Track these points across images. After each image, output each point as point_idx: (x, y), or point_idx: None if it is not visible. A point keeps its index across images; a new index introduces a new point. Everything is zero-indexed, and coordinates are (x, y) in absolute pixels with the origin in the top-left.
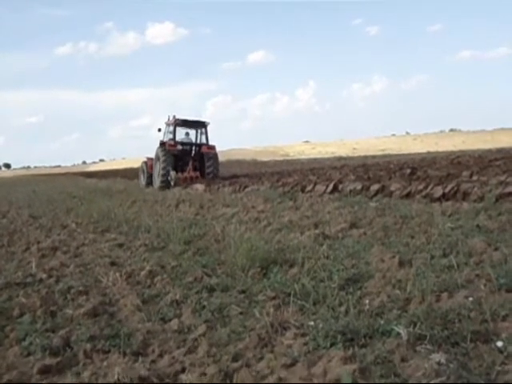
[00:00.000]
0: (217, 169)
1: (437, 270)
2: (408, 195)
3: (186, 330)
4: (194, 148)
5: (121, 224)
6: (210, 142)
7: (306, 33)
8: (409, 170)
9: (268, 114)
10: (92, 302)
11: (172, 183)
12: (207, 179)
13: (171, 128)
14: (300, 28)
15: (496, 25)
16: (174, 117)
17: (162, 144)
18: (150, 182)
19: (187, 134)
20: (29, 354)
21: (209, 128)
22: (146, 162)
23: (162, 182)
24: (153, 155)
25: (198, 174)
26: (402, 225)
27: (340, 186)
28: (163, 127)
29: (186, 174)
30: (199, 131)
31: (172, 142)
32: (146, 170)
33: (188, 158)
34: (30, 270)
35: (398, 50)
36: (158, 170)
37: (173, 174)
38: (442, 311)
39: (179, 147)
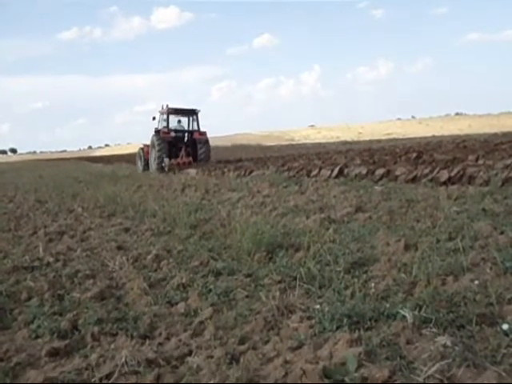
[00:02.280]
0: (209, 153)
1: (442, 254)
2: (414, 179)
3: (192, 314)
4: (186, 134)
5: (127, 209)
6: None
7: (311, 16)
8: (414, 154)
9: (273, 98)
10: (99, 285)
11: (166, 169)
12: (200, 163)
13: (164, 116)
14: (305, 11)
15: (504, 7)
16: (167, 106)
17: (157, 132)
18: (146, 168)
19: (179, 121)
20: (37, 337)
21: (200, 115)
22: (142, 149)
23: (157, 166)
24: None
25: (190, 159)
26: (407, 209)
27: (345, 171)
28: (157, 116)
29: (179, 160)
30: (191, 118)
31: (166, 130)
32: (143, 156)
33: (181, 144)
34: (38, 253)
35: (404, 33)
36: (153, 157)
37: (166, 160)
38: (448, 294)
39: (172, 134)
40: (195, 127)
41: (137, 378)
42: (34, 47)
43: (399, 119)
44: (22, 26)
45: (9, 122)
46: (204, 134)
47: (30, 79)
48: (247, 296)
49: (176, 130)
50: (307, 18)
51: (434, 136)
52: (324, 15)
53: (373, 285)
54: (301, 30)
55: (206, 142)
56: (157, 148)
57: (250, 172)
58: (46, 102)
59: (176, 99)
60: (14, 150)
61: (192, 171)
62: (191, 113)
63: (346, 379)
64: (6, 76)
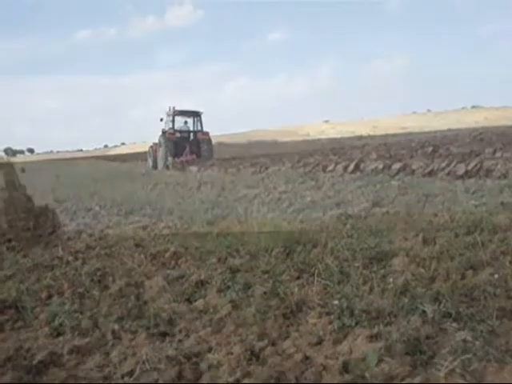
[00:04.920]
0: (210, 151)
1: (461, 248)
2: (430, 173)
3: (211, 310)
4: (191, 134)
5: (144, 206)
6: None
7: (325, 10)
8: (431, 148)
9: (287, 93)
10: (118, 283)
11: (170, 167)
12: (202, 161)
13: (171, 118)
14: (319, 5)
15: None
16: (174, 108)
17: (164, 132)
18: (155, 165)
19: (186, 122)
20: (58, 335)
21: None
22: (152, 147)
23: (163, 164)
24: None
25: (194, 156)
26: (424, 203)
27: (361, 166)
28: (164, 117)
29: (182, 158)
30: (195, 119)
31: (171, 131)
32: (152, 154)
33: (186, 143)
34: (57, 252)
35: (419, 25)
36: (160, 155)
37: (170, 159)
38: (467, 288)
39: (178, 135)
40: (199, 127)
41: (158, 374)
42: (49, 46)
43: (414, 112)
44: (37, 26)
45: (25, 121)
46: (207, 133)
47: (46, 79)
48: (265, 292)
49: (181, 131)
50: (321, 11)
51: (450, 129)
52: (339, 8)
53: (391, 280)
54: (315, 24)
55: (209, 141)
56: (163, 147)
57: (266, 168)
58: (62, 101)
59: (190, 96)
60: (31, 150)
61: (194, 168)
62: (195, 114)
63: (367, 374)
64: (21, 76)
